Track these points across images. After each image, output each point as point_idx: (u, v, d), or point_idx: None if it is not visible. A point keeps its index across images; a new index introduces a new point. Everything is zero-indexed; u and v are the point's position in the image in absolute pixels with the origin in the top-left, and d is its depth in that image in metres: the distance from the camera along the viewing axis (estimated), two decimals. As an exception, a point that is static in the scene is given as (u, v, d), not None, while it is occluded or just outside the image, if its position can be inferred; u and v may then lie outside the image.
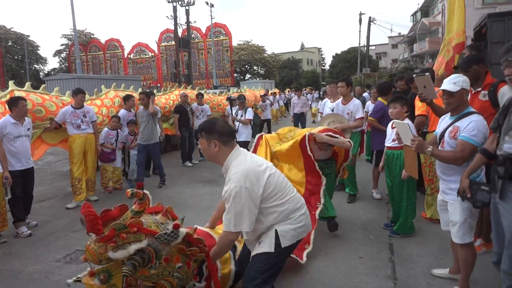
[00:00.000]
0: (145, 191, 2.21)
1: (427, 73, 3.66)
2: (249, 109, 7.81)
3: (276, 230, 2.36)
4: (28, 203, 5.02)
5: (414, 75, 3.83)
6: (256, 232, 2.41)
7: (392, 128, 4.19)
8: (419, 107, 4.47)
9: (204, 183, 7.11)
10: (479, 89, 3.55)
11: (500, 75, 4.80)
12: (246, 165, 2.33)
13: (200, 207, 5.61)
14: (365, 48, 34.17)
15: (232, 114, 8.86)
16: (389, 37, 44.16)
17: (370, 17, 31.37)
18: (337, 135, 4.15)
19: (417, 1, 52.43)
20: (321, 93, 19.91)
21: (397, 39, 45.01)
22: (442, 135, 2.89)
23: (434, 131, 3.26)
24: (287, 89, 28.66)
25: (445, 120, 2.99)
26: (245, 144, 7.23)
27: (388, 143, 4.28)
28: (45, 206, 5.90)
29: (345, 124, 5.08)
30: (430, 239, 4.05)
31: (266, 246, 2.36)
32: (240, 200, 2.22)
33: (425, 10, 40.67)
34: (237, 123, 7.70)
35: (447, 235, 3.13)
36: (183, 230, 2.14)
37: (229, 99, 8.49)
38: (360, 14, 32.72)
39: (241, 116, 7.76)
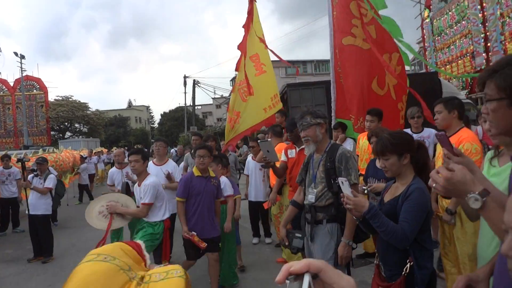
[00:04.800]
0: None
1: (269, 139, 4.12)
2: (51, 176, 6.29)
3: None
4: None
5: (258, 141, 4.25)
6: None
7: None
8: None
9: (8, 262, 5.98)
10: (303, 147, 4.24)
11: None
12: None
13: (0, 292, 4.66)
14: (192, 107, 35.99)
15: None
16: (213, 98, 47.74)
17: (194, 80, 33.52)
18: None
19: (233, 68, 58.84)
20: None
21: (220, 100, 49.11)
22: None
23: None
24: (114, 148, 27.31)
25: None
26: (45, 219, 6.02)
27: None
28: None
29: (121, 208, 3.90)
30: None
31: None
32: None
33: (241, 76, 46.05)
34: (31, 193, 6.01)
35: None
36: None
37: (20, 160, 6.73)
38: (185, 77, 34.57)
39: (39, 183, 6.11)
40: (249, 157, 6.32)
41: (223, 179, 4.50)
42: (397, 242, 2.04)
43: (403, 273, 2.06)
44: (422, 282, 2.06)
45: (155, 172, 5.15)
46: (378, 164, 2.27)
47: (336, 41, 5.75)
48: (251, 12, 6.98)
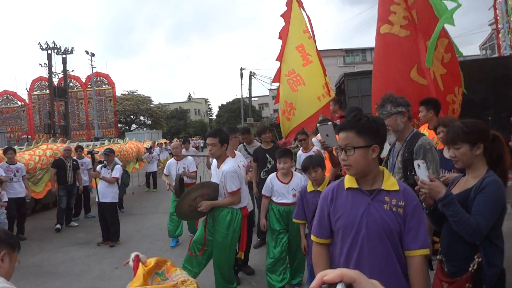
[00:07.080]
0: None
1: (329, 122, 3.98)
2: (117, 166, 6.60)
3: None
4: None
5: (318, 125, 3.99)
6: None
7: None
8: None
9: (80, 245, 6.47)
10: None
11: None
12: None
13: (72, 273, 5.07)
14: (248, 99, 36.34)
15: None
16: (269, 89, 47.76)
17: (250, 72, 33.66)
18: None
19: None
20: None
21: (276, 91, 48.97)
22: None
23: None
24: (175, 139, 28.46)
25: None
26: (112, 206, 6.38)
27: (279, 200, 4.11)
28: None
29: (214, 202, 3.73)
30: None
31: None
32: None
33: (298, 67, 45.54)
34: (100, 182, 6.39)
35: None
36: None
37: (90, 153, 7.06)
38: (241, 69, 34.89)
39: (107, 173, 6.46)
40: (300, 151, 5.66)
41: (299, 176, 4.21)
42: (469, 235, 1.90)
43: (470, 269, 1.93)
44: (490, 280, 1.91)
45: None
46: (446, 154, 2.10)
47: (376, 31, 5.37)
48: (289, 3, 6.93)
